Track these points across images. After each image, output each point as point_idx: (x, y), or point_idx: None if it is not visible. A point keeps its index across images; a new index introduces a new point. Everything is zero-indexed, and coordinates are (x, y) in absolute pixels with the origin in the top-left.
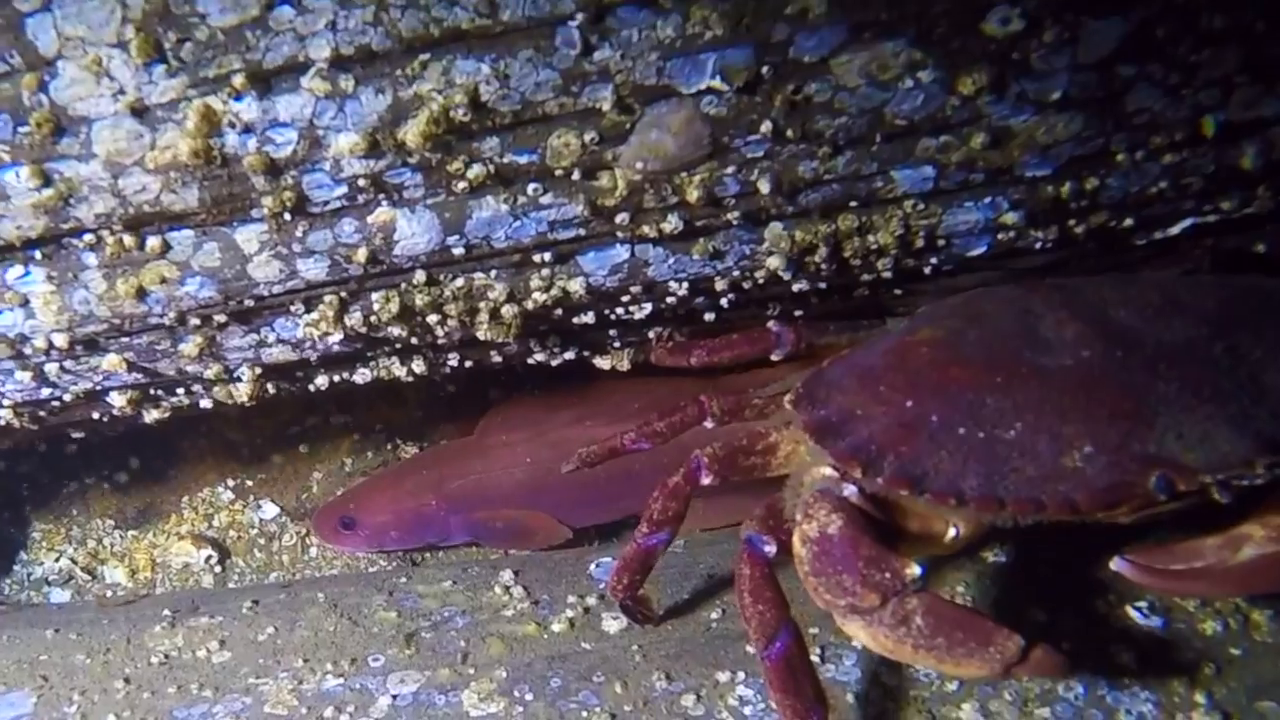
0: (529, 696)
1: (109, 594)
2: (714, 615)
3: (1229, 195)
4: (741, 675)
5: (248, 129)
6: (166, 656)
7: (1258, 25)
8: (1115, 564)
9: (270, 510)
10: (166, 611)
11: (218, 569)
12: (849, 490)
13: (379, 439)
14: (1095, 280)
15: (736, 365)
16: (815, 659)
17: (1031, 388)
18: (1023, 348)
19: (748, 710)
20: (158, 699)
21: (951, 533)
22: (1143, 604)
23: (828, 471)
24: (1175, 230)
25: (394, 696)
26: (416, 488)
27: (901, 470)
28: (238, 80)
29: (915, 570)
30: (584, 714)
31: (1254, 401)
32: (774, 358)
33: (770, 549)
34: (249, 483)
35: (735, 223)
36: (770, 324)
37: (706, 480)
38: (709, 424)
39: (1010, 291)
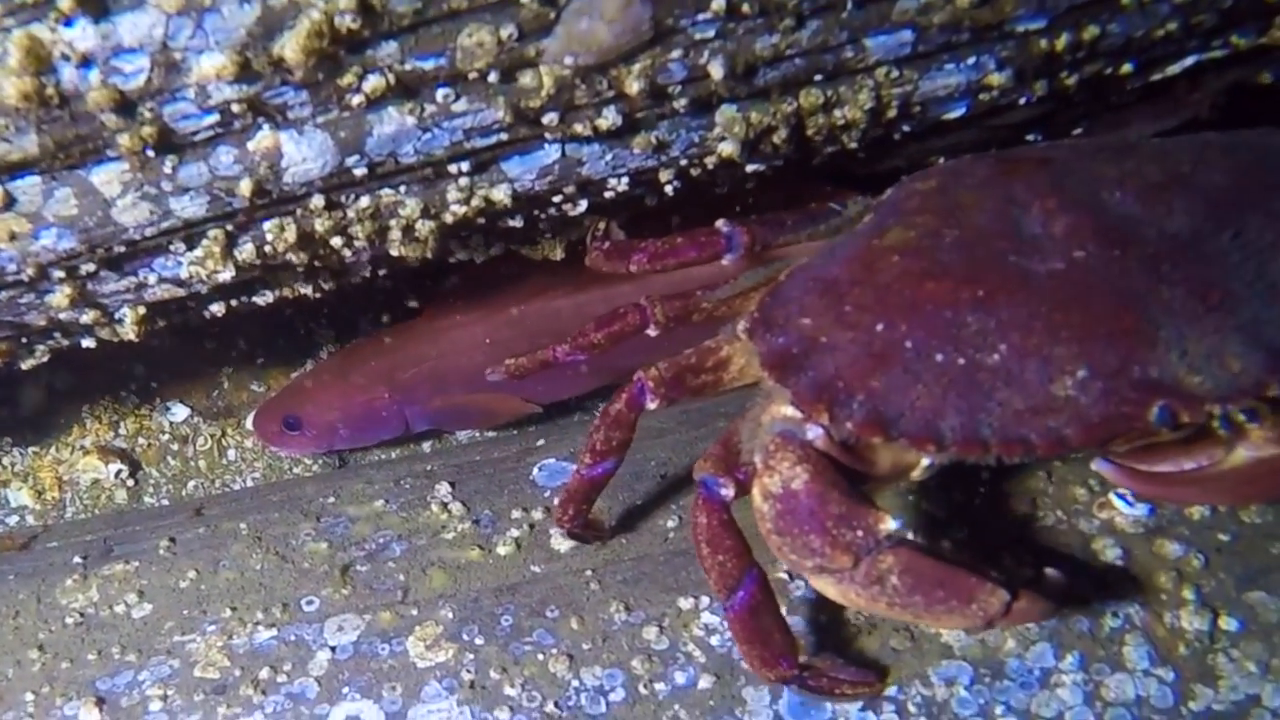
0: (479, 640)
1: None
2: (670, 524)
3: (1244, 29)
4: (705, 600)
5: (86, 60)
6: (82, 615)
7: None
8: (1097, 464)
9: (180, 412)
10: (77, 559)
11: (130, 482)
12: (814, 433)
13: (291, 326)
14: (1087, 150)
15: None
16: (784, 574)
17: (1018, 300)
18: (1007, 250)
19: (714, 640)
20: (77, 668)
21: (926, 462)
22: (1128, 490)
23: (789, 411)
24: (1175, 69)
25: (333, 649)
26: (366, 380)
27: (872, 412)
28: (65, 2)
29: (890, 524)
30: (540, 656)
31: (1266, 303)
32: (725, 262)
33: (727, 492)
34: (154, 384)
35: (682, 111)
36: (719, 223)
37: (652, 405)
38: (652, 331)
39: (990, 171)
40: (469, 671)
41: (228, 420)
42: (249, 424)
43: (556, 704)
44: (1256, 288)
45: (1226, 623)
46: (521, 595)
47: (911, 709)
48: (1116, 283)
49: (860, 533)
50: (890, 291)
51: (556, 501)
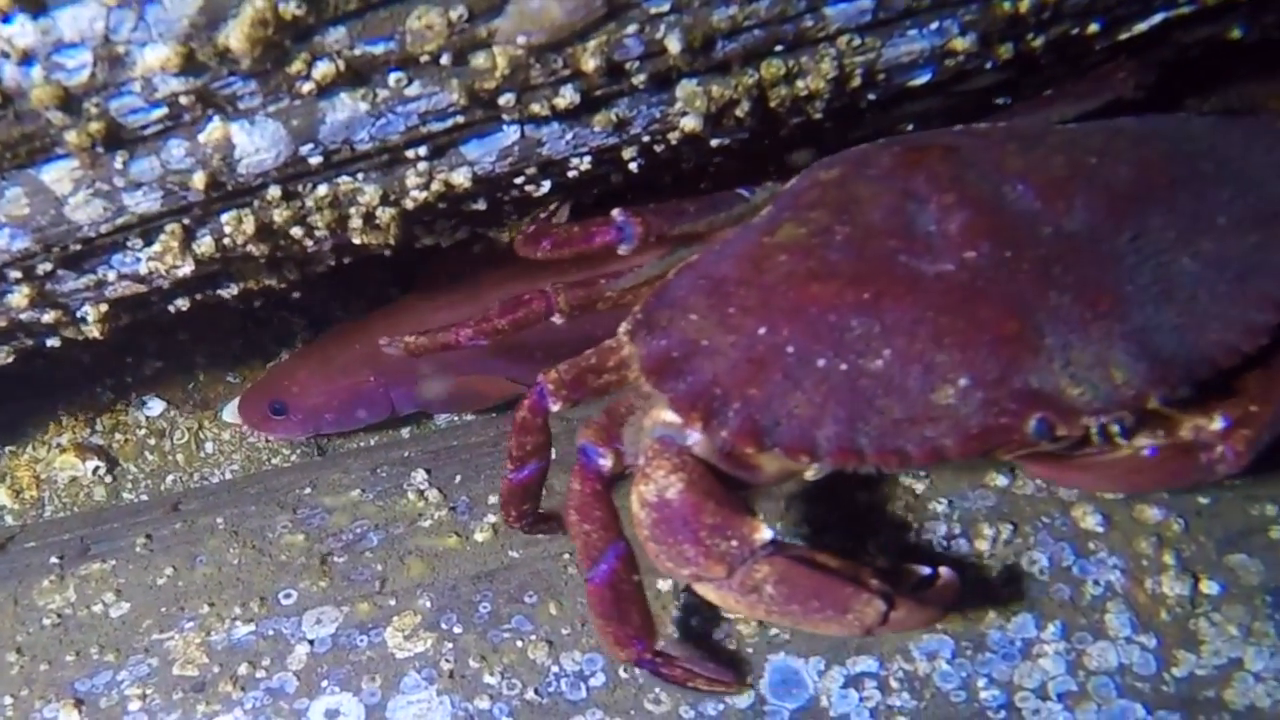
0: (458, 629)
1: None
2: None
3: None
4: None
5: (27, 57)
6: (60, 616)
7: None
8: None
9: (157, 406)
10: (54, 559)
11: (108, 479)
12: (693, 439)
13: (264, 313)
14: (997, 138)
15: (583, 259)
16: None
17: (905, 304)
18: (898, 250)
19: (693, 621)
20: (56, 670)
21: (815, 468)
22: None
23: (669, 416)
24: (1143, 27)
25: (311, 642)
26: (351, 364)
27: (748, 420)
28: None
29: (764, 534)
30: (519, 643)
31: (1158, 307)
32: (621, 251)
33: (605, 463)
34: (129, 378)
35: (641, 87)
36: (615, 212)
37: (555, 407)
38: (557, 319)
39: (894, 162)
40: (448, 661)
41: (204, 413)
42: (226, 415)
43: (537, 690)
44: (1151, 291)
45: (1208, 586)
46: (499, 582)
47: (894, 684)
48: (1005, 286)
49: (735, 543)
50: (775, 293)
51: (500, 506)
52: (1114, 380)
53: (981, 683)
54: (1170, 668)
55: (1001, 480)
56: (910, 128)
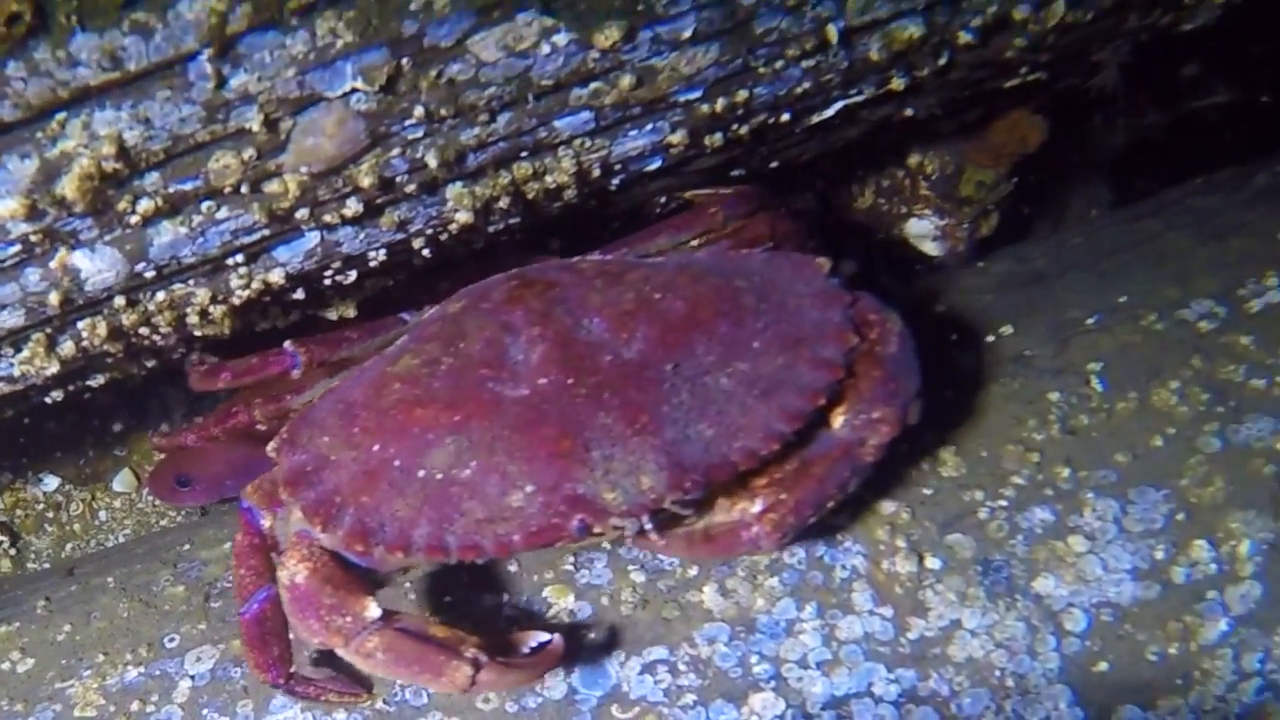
0: None
1: None
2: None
3: (867, 82)
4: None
5: None
6: None
7: None
8: None
9: (52, 482)
10: None
11: (12, 551)
12: (322, 535)
13: (146, 386)
14: (590, 273)
15: (262, 385)
16: (570, 567)
17: (489, 423)
18: (488, 377)
19: None
20: None
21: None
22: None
23: (302, 516)
24: (830, 112)
25: (192, 677)
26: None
27: (358, 523)
28: None
29: (373, 612)
30: None
31: (693, 422)
32: (293, 376)
33: (265, 522)
34: (24, 459)
35: (414, 194)
36: (286, 344)
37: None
38: (261, 426)
39: (503, 297)
40: None
41: (97, 485)
42: (116, 485)
43: (385, 700)
44: (686, 409)
45: (931, 563)
46: None
47: (682, 667)
48: (564, 408)
49: (349, 619)
50: (388, 416)
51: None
52: (642, 486)
53: (754, 659)
54: (904, 632)
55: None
56: (662, 200)
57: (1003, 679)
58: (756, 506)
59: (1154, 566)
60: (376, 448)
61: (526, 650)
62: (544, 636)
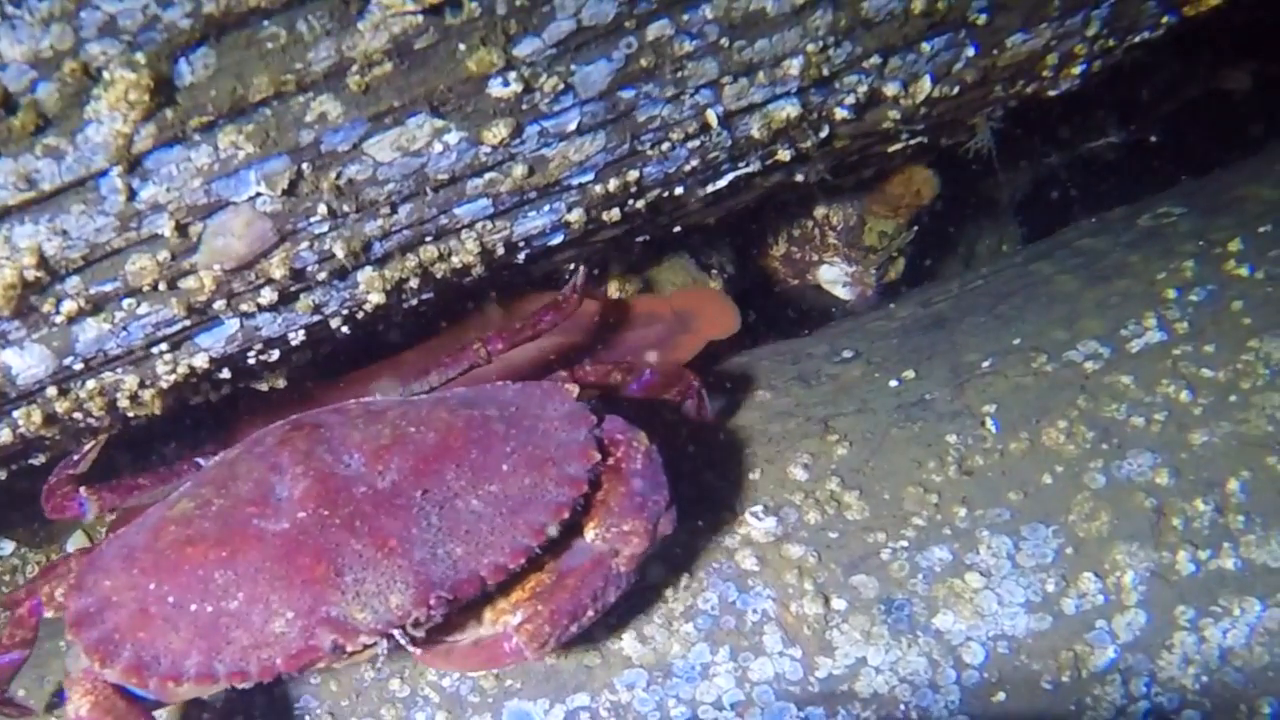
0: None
1: None
2: None
3: (753, 156)
4: None
5: None
6: None
7: (721, 41)
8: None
9: (8, 546)
10: None
11: None
12: (105, 671)
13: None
14: (355, 413)
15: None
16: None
17: (251, 557)
18: (254, 515)
19: (445, 683)
20: None
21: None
22: (758, 508)
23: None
24: (723, 183)
25: None
26: None
27: (135, 659)
28: None
29: None
30: (307, 718)
31: (442, 543)
32: (86, 520)
33: (49, 613)
34: None
35: (326, 280)
36: (81, 489)
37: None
38: None
39: (274, 440)
40: None
41: (51, 546)
42: (69, 547)
43: None
44: (435, 531)
45: (837, 604)
46: None
47: (603, 713)
48: (319, 539)
49: None
50: (164, 556)
51: None
52: (390, 605)
53: (672, 702)
54: (813, 672)
55: (681, 538)
56: (571, 267)
57: (907, 712)
58: (516, 618)
59: (1045, 599)
60: (153, 586)
61: None
62: None
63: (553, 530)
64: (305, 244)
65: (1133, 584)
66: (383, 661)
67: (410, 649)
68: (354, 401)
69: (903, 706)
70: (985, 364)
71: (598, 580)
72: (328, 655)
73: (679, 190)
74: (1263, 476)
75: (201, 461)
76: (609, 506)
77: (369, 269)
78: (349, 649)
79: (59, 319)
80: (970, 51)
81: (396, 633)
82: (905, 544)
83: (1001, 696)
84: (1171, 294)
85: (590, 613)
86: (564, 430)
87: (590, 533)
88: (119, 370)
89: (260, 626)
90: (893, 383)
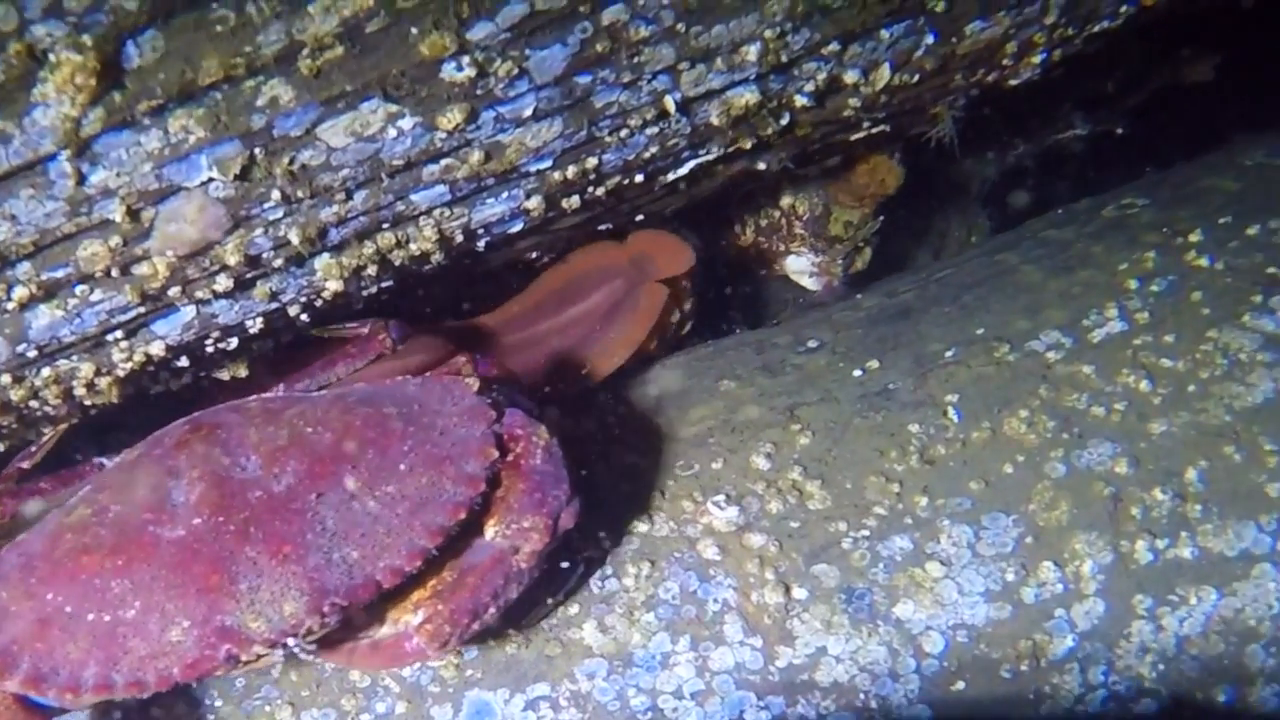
0: (220, 703)
1: None
2: None
3: (712, 145)
4: None
5: None
6: None
7: (678, 26)
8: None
9: None
10: None
11: None
12: (4, 683)
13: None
14: (254, 414)
15: None
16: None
17: (147, 565)
18: (150, 521)
19: (406, 673)
20: None
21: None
22: (720, 497)
23: None
24: (684, 171)
25: None
26: None
27: (33, 670)
28: None
29: None
30: (267, 708)
31: (337, 547)
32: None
33: None
34: None
35: (282, 267)
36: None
37: None
38: None
39: (173, 443)
40: None
41: None
42: None
43: None
44: (330, 535)
45: (798, 593)
46: None
47: (563, 702)
48: (214, 546)
49: None
50: (61, 565)
51: None
52: (284, 613)
53: (632, 692)
54: (773, 661)
55: (642, 527)
56: (533, 255)
57: (866, 701)
58: (417, 618)
59: (1005, 588)
60: (50, 596)
61: None
62: None
63: (452, 530)
64: (260, 230)
65: (1091, 573)
66: (278, 670)
67: (305, 657)
68: (255, 398)
69: (863, 695)
70: (948, 354)
71: (498, 578)
72: (223, 665)
73: (639, 178)
74: (1220, 466)
75: (105, 462)
76: (508, 504)
77: (326, 256)
78: (244, 658)
79: (11, 305)
80: (929, 39)
81: (291, 641)
82: (866, 533)
83: (961, 685)
84: (1133, 284)
85: (492, 610)
86: (462, 426)
87: (490, 530)
88: (74, 358)
89: (157, 636)
90: (857, 372)
